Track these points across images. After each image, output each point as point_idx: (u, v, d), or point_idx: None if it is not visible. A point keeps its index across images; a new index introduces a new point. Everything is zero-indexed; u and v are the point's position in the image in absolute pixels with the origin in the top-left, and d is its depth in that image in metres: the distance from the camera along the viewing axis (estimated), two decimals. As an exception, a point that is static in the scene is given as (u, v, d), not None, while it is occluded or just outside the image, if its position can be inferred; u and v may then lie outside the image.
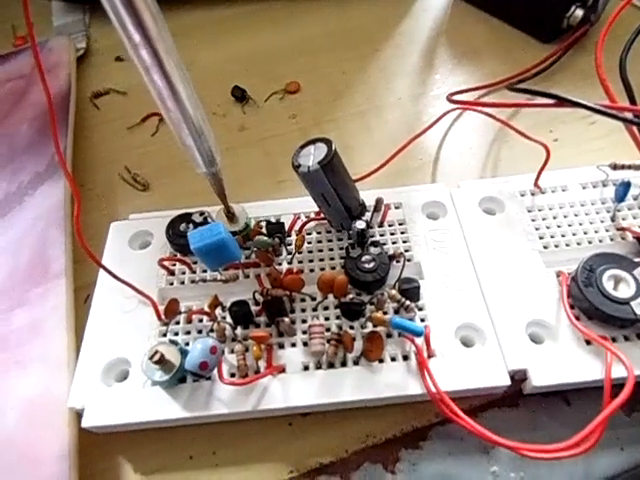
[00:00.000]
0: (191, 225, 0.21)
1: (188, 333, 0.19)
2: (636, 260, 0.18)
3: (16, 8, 0.37)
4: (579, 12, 0.29)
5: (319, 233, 0.21)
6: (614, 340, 0.18)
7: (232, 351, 0.18)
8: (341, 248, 0.21)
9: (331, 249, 0.21)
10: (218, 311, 0.19)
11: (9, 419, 0.18)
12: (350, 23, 0.34)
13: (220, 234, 0.17)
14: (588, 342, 0.17)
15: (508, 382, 0.17)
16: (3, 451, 0.17)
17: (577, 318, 0.18)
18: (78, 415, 0.18)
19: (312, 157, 0.18)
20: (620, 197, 0.20)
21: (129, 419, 0.17)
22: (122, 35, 0.13)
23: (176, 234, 0.21)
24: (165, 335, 0.19)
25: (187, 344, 0.18)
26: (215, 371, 0.17)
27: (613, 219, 0.20)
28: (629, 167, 0.20)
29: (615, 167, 0.21)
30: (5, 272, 0.21)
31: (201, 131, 0.16)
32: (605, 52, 0.22)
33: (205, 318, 0.19)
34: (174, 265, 0.21)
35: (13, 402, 0.18)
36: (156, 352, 0.17)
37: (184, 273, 0.21)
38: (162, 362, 0.17)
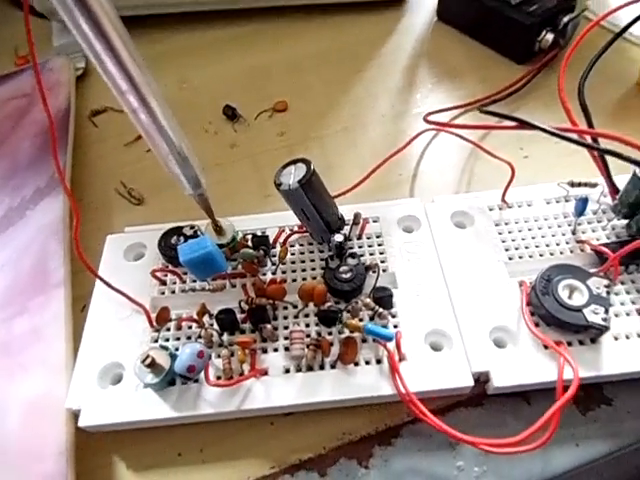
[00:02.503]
0: (182, 238, 0.22)
1: (178, 339, 0.20)
2: (591, 271, 0.20)
3: (18, 28, 0.39)
4: (550, 36, 0.31)
5: (302, 245, 0.23)
6: (570, 344, 0.19)
7: (219, 356, 0.19)
8: (322, 259, 0.22)
9: (312, 260, 0.22)
10: (206, 318, 0.20)
11: (12, 419, 0.19)
12: (336, 44, 0.36)
13: (207, 247, 0.18)
14: (546, 346, 0.19)
15: (472, 383, 0.18)
16: (6, 448, 0.18)
17: (537, 324, 0.19)
18: (75, 415, 0.19)
19: (292, 176, 0.19)
20: (580, 212, 0.22)
21: (122, 419, 0.18)
22: (109, 84, 0.15)
23: (168, 246, 0.22)
24: (157, 341, 0.20)
25: (177, 349, 0.20)
26: (202, 374, 0.19)
27: (574, 232, 0.22)
28: (585, 184, 0.22)
29: (572, 185, 0.22)
30: (8, 282, 0.22)
31: (186, 159, 0.17)
32: (573, 74, 0.24)
33: (194, 325, 0.21)
34: (166, 275, 0.22)
35: (15, 403, 0.19)
36: (147, 356, 0.18)
37: (175, 283, 0.22)
38: (153, 366, 0.18)
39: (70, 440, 0.18)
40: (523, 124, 0.21)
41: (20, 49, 0.38)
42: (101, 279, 0.20)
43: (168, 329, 0.21)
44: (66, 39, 0.38)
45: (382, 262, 0.22)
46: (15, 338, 0.21)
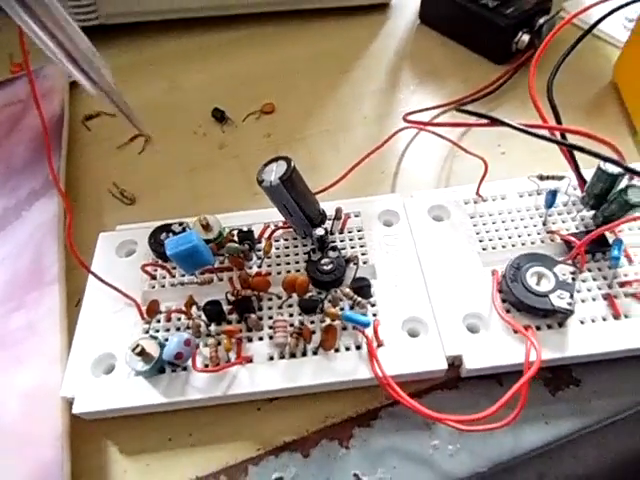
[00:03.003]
0: (171, 234, 0.23)
1: (168, 330, 0.21)
2: (558, 259, 0.21)
3: (12, 35, 0.40)
4: (525, 37, 0.32)
5: (286, 240, 0.24)
6: (539, 329, 0.20)
7: (206, 345, 0.20)
8: (304, 253, 0.23)
9: (296, 254, 0.24)
10: (194, 310, 0.21)
11: (10, 408, 0.20)
12: (321, 47, 0.37)
13: (193, 241, 0.19)
14: (516, 331, 0.20)
15: (445, 366, 0.19)
16: (6, 436, 0.19)
17: (508, 311, 0.21)
18: (70, 403, 0.20)
19: (274, 173, 0.21)
20: (549, 204, 0.23)
21: (115, 405, 0.19)
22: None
23: (157, 243, 0.23)
24: (147, 332, 0.21)
25: (166, 340, 0.21)
26: (190, 362, 0.20)
27: (544, 223, 0.23)
28: (553, 177, 0.23)
29: (542, 178, 0.24)
30: (5, 279, 0.23)
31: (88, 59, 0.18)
32: (545, 74, 0.25)
33: (183, 316, 0.22)
34: (155, 270, 0.23)
35: (12, 393, 0.20)
36: (137, 345, 0.19)
37: (165, 277, 0.23)
38: (143, 354, 0.19)
39: (65, 426, 0.19)
40: (494, 122, 0.22)
41: (15, 56, 0.39)
42: (93, 274, 0.21)
43: (158, 321, 0.22)
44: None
45: (363, 255, 0.23)
46: (11, 332, 0.22)
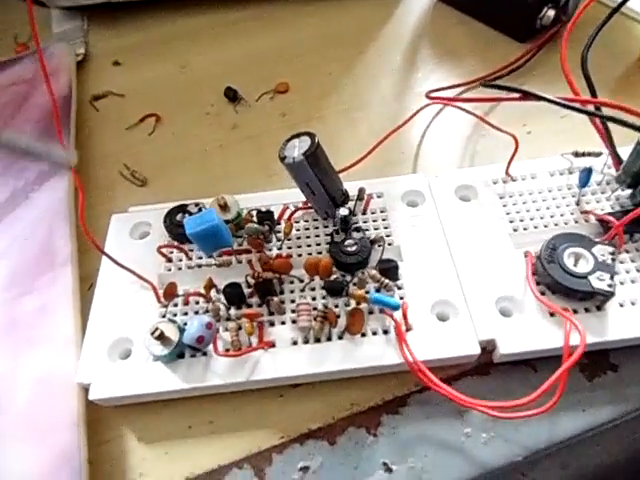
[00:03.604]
0: (187, 215, 0.22)
1: (186, 314, 0.21)
2: (596, 240, 0.20)
3: (16, 15, 0.39)
4: (551, 13, 0.31)
5: (306, 221, 0.23)
6: (575, 312, 0.19)
7: (226, 329, 0.20)
8: (326, 235, 0.22)
9: (317, 235, 0.23)
10: (213, 293, 0.21)
11: (23, 394, 0.19)
12: (336, 26, 0.36)
13: (213, 220, 0.18)
14: (552, 314, 0.19)
15: (478, 351, 0.19)
16: (19, 423, 0.18)
17: (542, 293, 0.20)
18: (86, 389, 0.19)
19: (297, 149, 0.20)
20: (583, 182, 0.22)
21: (133, 391, 0.19)
22: None
23: (173, 224, 0.22)
24: (164, 316, 0.20)
25: (185, 324, 0.20)
26: (210, 346, 0.19)
27: (578, 203, 0.22)
28: (589, 154, 0.22)
29: (577, 154, 0.22)
30: (16, 262, 0.23)
31: None
32: (573, 49, 0.24)
33: (201, 300, 0.21)
34: (171, 252, 0.22)
35: (26, 379, 0.19)
36: (156, 329, 0.18)
37: (181, 260, 0.22)
38: (162, 338, 0.18)
39: (81, 413, 0.19)
40: (527, 95, 0.21)
41: (19, 36, 0.38)
42: (108, 256, 0.20)
43: (175, 304, 0.21)
44: (65, 26, 0.38)
45: (387, 236, 0.22)
46: (23, 316, 0.21)
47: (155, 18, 0.37)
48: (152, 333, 0.18)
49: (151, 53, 0.35)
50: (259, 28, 0.36)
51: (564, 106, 0.20)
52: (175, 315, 0.21)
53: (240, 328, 0.19)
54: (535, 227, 0.22)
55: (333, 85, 0.32)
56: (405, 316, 0.19)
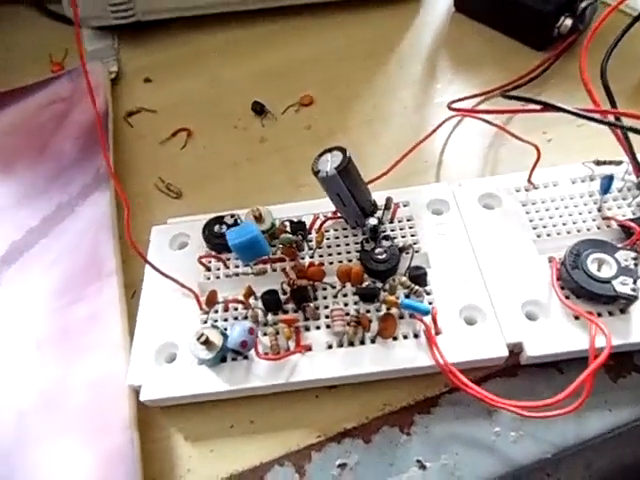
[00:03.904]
0: (224, 226, 0.24)
1: (225, 320, 0.22)
2: (618, 245, 0.21)
3: (48, 35, 0.41)
4: (568, 22, 0.32)
5: (336, 230, 0.24)
6: (599, 315, 0.20)
7: (265, 334, 0.21)
8: (355, 243, 0.24)
9: (347, 244, 0.24)
10: (251, 300, 0.22)
11: (77, 398, 0.21)
12: (357, 39, 0.37)
13: (253, 232, 0.20)
14: (576, 317, 0.20)
15: (506, 353, 0.19)
16: (76, 425, 0.20)
17: (567, 297, 0.20)
18: (136, 392, 0.20)
19: (329, 163, 0.21)
20: (605, 189, 0.23)
21: (180, 393, 0.20)
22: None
23: (212, 234, 0.24)
24: (206, 322, 0.22)
25: (225, 329, 0.21)
26: (252, 350, 0.20)
27: (599, 210, 0.23)
28: (610, 163, 0.23)
29: (598, 163, 0.23)
30: (65, 272, 0.24)
31: None
32: (592, 58, 0.24)
33: (239, 307, 0.22)
34: (210, 262, 0.24)
35: (79, 383, 0.21)
36: (202, 334, 0.19)
37: (219, 269, 0.24)
38: (207, 343, 0.19)
39: (133, 414, 0.20)
40: (548, 107, 0.22)
41: (54, 56, 0.40)
42: (152, 265, 0.22)
43: (216, 311, 0.22)
44: (97, 45, 0.40)
45: (414, 244, 0.23)
46: (75, 323, 0.23)
47: (183, 35, 0.39)
48: (198, 338, 0.19)
49: (180, 69, 0.37)
50: (282, 42, 0.37)
51: (585, 117, 0.21)
52: (216, 321, 0.22)
53: (278, 333, 0.21)
54: (558, 233, 0.22)
55: (355, 97, 0.33)
56: (435, 320, 0.20)
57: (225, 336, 0.20)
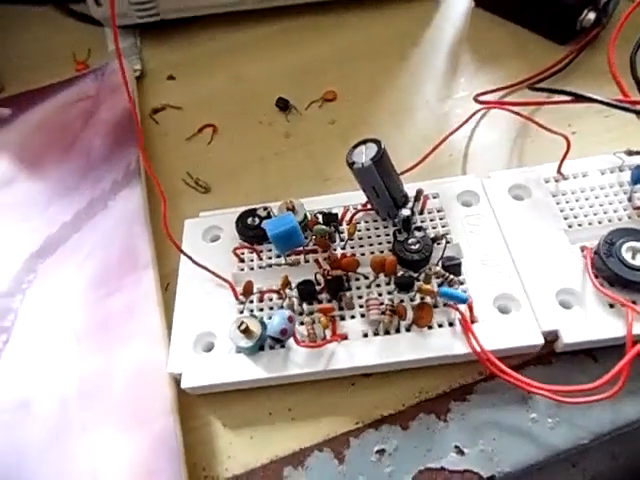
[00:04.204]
0: (257, 219, 0.24)
1: (261, 310, 0.22)
2: (652, 233, 0.21)
3: (72, 35, 0.41)
4: (591, 15, 0.32)
5: (366, 222, 0.25)
6: (634, 303, 0.20)
7: (302, 323, 0.21)
8: (386, 235, 0.24)
9: (378, 235, 0.24)
10: (287, 290, 0.22)
11: (119, 386, 0.21)
12: (379, 35, 0.37)
13: (292, 222, 0.20)
14: (611, 305, 0.20)
15: (542, 341, 0.20)
16: (119, 412, 0.20)
17: (601, 285, 0.21)
18: (176, 379, 0.21)
19: (364, 155, 0.21)
20: (636, 179, 0.23)
21: (220, 380, 0.20)
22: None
23: (245, 226, 0.24)
24: (242, 312, 0.22)
25: (262, 318, 0.22)
26: (289, 340, 0.20)
27: (630, 199, 0.23)
28: (642, 153, 0.23)
29: (630, 153, 0.23)
30: (101, 264, 0.25)
31: None
32: (616, 51, 0.25)
33: (274, 297, 0.22)
34: (243, 253, 0.24)
35: (121, 372, 0.21)
36: (242, 322, 0.20)
37: (252, 260, 0.24)
38: (247, 331, 0.20)
39: (174, 401, 0.20)
40: (578, 98, 0.22)
41: (77, 55, 0.40)
42: (188, 257, 0.22)
43: (251, 301, 0.22)
44: (120, 43, 0.40)
45: (446, 234, 0.23)
46: (113, 314, 0.23)
47: (206, 32, 0.39)
48: (239, 327, 0.20)
49: (204, 66, 0.37)
50: (305, 38, 0.38)
51: (618, 107, 0.21)
52: (252, 311, 0.22)
53: (314, 322, 0.21)
54: (589, 223, 0.23)
55: (378, 91, 0.34)
56: (471, 309, 0.20)
57: (263, 325, 0.20)
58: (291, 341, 0.20)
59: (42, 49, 0.41)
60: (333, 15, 0.39)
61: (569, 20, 0.32)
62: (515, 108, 0.28)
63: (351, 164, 0.21)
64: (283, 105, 0.33)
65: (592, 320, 0.20)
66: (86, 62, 0.39)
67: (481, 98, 0.29)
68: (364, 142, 0.22)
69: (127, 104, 0.33)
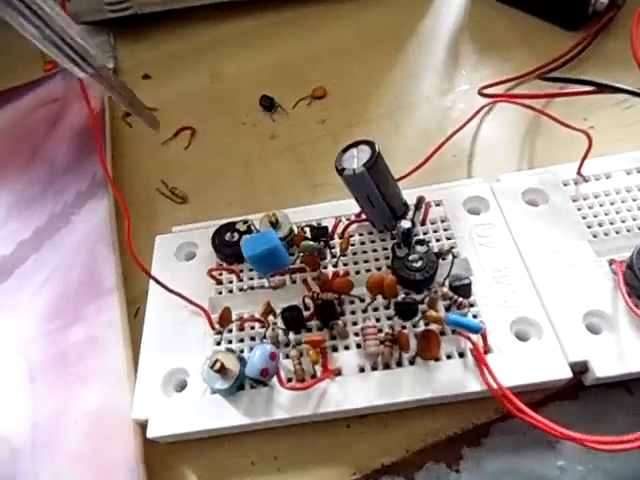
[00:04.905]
0: (236, 234, 0.21)
1: (242, 340, 0.19)
2: (692, 244, 0.18)
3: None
4: (605, -3, 0.29)
5: (361, 235, 0.22)
6: (676, 326, 0.17)
7: (287, 356, 0.18)
8: (384, 249, 0.21)
9: (375, 250, 0.21)
10: (270, 317, 0.19)
11: (74, 433, 0.18)
12: (371, 25, 0.34)
13: (273, 240, 0.17)
14: (649, 330, 0.17)
15: (569, 374, 0.17)
16: (72, 465, 0.17)
17: (636, 306, 0.18)
18: (142, 426, 0.18)
19: (356, 160, 0.18)
20: (668, 180, 0.20)
21: (193, 427, 0.17)
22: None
23: (222, 243, 0.21)
24: (219, 344, 0.19)
25: (242, 351, 0.19)
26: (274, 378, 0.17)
27: (662, 203, 0.20)
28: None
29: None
30: (59, 290, 0.22)
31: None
32: (627, 36, 0.22)
33: (257, 325, 0.19)
34: (221, 275, 0.21)
35: (77, 416, 0.18)
36: (216, 361, 0.17)
37: (231, 282, 0.21)
38: (222, 370, 0.17)
39: (140, 452, 0.17)
40: (599, 87, 0.19)
41: (47, 55, 0.37)
42: (158, 282, 0.19)
43: (230, 330, 0.19)
44: (93, 41, 0.37)
45: (452, 248, 0.20)
46: (71, 347, 0.20)
47: (183, 28, 0.36)
48: (212, 366, 0.17)
49: (181, 64, 0.34)
50: (289, 32, 0.35)
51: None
52: (230, 342, 0.19)
53: (302, 355, 0.18)
54: (617, 232, 0.20)
55: (373, 87, 0.31)
56: (485, 337, 0.17)
57: (243, 361, 0.17)
58: (275, 380, 0.17)
59: (9, 49, 0.38)
60: (321, 5, 0.36)
61: (580, 4, 0.29)
62: (525, 101, 0.25)
63: (341, 171, 0.18)
64: (268, 104, 0.30)
65: (626, 347, 0.17)
66: (55, 62, 0.36)
67: (486, 91, 0.26)
68: (356, 144, 0.19)
69: (97, 106, 0.30)
